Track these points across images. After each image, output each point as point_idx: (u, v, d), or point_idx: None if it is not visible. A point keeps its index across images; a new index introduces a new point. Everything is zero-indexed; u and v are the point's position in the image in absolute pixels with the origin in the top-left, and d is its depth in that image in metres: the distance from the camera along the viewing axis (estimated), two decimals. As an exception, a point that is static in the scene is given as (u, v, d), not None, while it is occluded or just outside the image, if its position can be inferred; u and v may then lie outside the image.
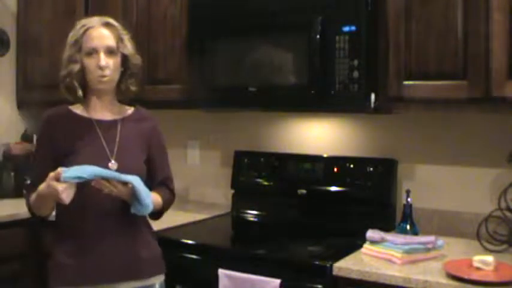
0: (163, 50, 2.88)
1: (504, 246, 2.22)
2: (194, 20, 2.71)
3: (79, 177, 1.75)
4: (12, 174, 3.34)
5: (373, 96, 2.28)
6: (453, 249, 2.22)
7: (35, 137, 3.56)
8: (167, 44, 2.87)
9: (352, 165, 2.65)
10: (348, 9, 2.30)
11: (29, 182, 2.03)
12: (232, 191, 3.01)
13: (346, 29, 2.28)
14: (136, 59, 2.04)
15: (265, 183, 2.88)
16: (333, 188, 2.68)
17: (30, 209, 2.00)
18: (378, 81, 2.30)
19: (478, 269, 1.93)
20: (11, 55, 3.57)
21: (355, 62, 2.26)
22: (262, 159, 2.91)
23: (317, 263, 2.11)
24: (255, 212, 2.92)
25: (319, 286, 2.06)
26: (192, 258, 2.35)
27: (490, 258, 1.94)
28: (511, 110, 2.12)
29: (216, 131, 3.14)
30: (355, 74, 2.26)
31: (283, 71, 2.47)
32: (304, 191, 2.75)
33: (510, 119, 2.32)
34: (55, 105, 3.47)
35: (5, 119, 3.54)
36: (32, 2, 3.51)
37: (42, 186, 1.83)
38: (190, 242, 2.39)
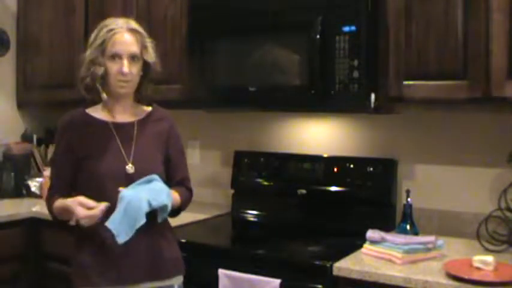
0: (163, 50, 2.87)
1: (504, 246, 2.22)
2: (194, 20, 2.71)
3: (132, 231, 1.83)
4: (12, 174, 3.35)
5: (373, 96, 2.28)
6: (453, 249, 2.22)
7: (35, 137, 3.57)
8: (167, 44, 2.87)
9: (352, 165, 2.65)
10: (348, 9, 2.30)
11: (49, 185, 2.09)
12: (232, 191, 3.01)
13: (346, 29, 2.28)
14: (158, 67, 2.05)
15: (265, 183, 2.88)
16: (333, 188, 2.68)
17: (51, 212, 2.03)
18: (378, 81, 2.30)
19: (478, 269, 1.93)
20: (11, 55, 3.58)
21: (355, 62, 2.26)
22: (262, 159, 2.91)
23: (317, 263, 2.11)
24: (255, 212, 2.92)
25: (319, 286, 2.06)
26: (192, 258, 2.34)
27: (490, 258, 1.94)
28: (511, 110, 2.12)
29: (216, 131, 3.14)
30: (355, 74, 2.26)
31: (283, 71, 2.47)
32: (304, 191, 2.75)
33: (510, 119, 2.32)
34: (55, 105, 3.48)
35: (5, 119, 3.54)
36: (32, 2, 3.51)
37: (69, 203, 1.88)
38: (190, 242, 2.39)
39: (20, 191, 3.35)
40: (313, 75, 2.33)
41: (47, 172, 3.30)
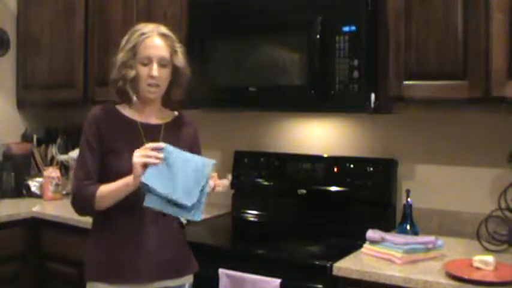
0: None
1: (504, 246, 2.22)
2: (194, 20, 2.71)
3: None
4: (12, 174, 3.35)
5: (373, 96, 2.28)
6: (453, 249, 2.22)
7: (35, 137, 3.57)
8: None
9: (352, 165, 2.65)
10: (348, 9, 2.30)
11: (80, 177, 2.01)
12: (232, 191, 3.01)
13: (346, 29, 2.28)
14: (187, 72, 2.07)
15: (265, 183, 2.88)
16: (333, 188, 2.68)
17: (88, 205, 1.95)
18: (378, 81, 2.30)
19: (478, 269, 1.93)
20: (11, 55, 3.58)
21: (355, 62, 2.26)
22: (262, 159, 2.91)
23: (317, 263, 2.12)
24: (255, 212, 2.92)
25: (319, 286, 2.06)
26: (192, 258, 2.35)
27: (490, 258, 1.95)
28: (511, 110, 2.12)
29: (216, 131, 3.13)
30: (355, 74, 2.26)
31: (283, 71, 2.47)
32: (304, 191, 2.75)
33: (510, 119, 2.32)
34: (55, 105, 3.48)
35: (5, 119, 3.54)
36: (32, 2, 3.51)
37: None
38: (190, 241, 2.39)
39: (20, 191, 3.35)
40: (313, 75, 2.33)
41: (47, 172, 3.30)
